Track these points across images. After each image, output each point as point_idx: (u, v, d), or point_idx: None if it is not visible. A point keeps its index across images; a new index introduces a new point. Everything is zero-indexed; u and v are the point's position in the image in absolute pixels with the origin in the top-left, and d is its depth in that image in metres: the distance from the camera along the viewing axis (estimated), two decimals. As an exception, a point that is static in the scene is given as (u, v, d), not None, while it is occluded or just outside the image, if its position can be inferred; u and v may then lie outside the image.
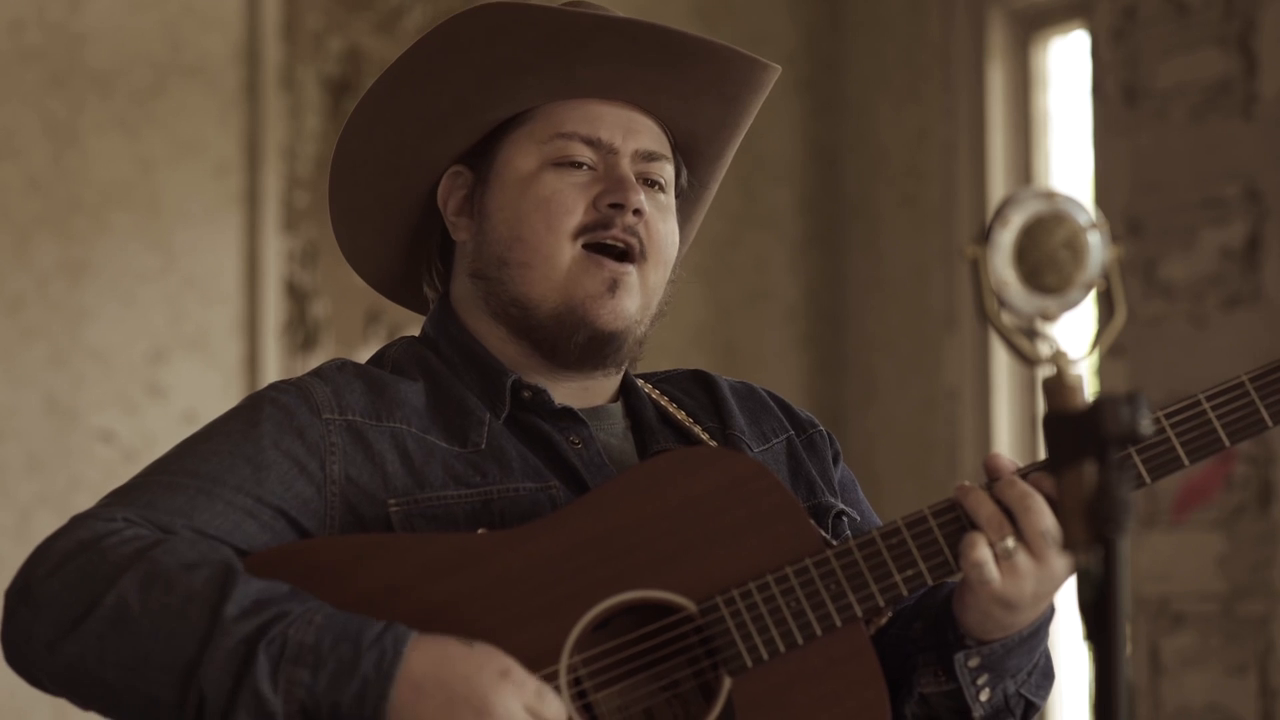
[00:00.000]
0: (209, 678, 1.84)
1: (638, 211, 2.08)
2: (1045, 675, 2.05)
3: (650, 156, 2.12)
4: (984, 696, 1.99)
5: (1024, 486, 1.91)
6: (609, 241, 2.08)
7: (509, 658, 1.86)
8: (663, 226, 2.11)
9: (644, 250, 2.09)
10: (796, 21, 5.48)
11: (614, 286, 2.08)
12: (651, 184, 2.12)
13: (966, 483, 1.94)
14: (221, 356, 4.84)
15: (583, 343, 2.08)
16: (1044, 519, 1.90)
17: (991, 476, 1.94)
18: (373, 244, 2.21)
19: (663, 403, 2.17)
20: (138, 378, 4.76)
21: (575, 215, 2.08)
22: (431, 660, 1.84)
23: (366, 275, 2.24)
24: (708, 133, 2.18)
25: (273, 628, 1.84)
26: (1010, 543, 1.90)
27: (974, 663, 1.97)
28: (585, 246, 2.08)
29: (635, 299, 2.09)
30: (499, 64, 2.09)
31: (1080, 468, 1.49)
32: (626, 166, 2.10)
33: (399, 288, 2.25)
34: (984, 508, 1.91)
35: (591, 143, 2.09)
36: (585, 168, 2.09)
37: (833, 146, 5.49)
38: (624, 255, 2.09)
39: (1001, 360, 5.00)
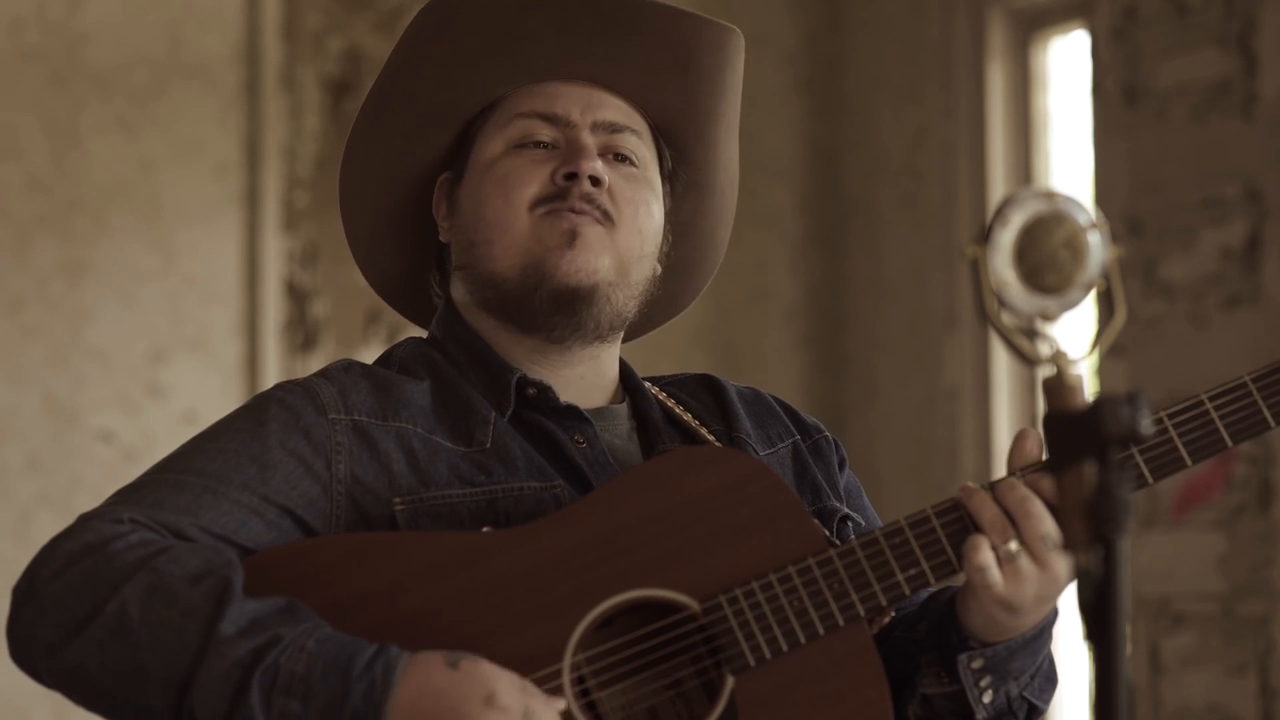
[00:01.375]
0: (201, 698, 1.84)
1: (596, 181, 2.06)
2: (1048, 679, 2.05)
3: (613, 128, 2.10)
4: (987, 699, 1.98)
5: (1024, 490, 1.91)
6: (565, 209, 2.06)
7: (494, 677, 1.85)
8: (632, 194, 2.09)
9: (609, 216, 2.07)
10: (796, 21, 5.48)
11: (573, 238, 2.05)
12: (620, 158, 2.10)
13: (969, 484, 1.94)
14: (221, 356, 4.84)
15: (546, 299, 2.06)
16: (1044, 524, 1.89)
17: (1014, 465, 1.94)
18: (381, 256, 2.22)
19: (669, 404, 2.17)
20: (138, 378, 4.76)
21: (531, 187, 2.07)
22: (417, 692, 1.83)
23: (380, 288, 2.26)
24: (680, 106, 2.15)
25: (268, 653, 1.83)
26: (1013, 546, 1.90)
27: (977, 664, 1.97)
28: (544, 213, 2.07)
29: (603, 256, 2.07)
30: (451, 56, 2.10)
31: (1080, 468, 1.49)
32: (586, 138, 2.09)
33: (410, 301, 2.26)
34: (986, 510, 1.91)
35: (549, 119, 2.09)
36: (547, 147, 2.09)
37: (833, 146, 5.49)
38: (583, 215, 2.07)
39: (1001, 360, 5.00)
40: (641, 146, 2.13)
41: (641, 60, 2.11)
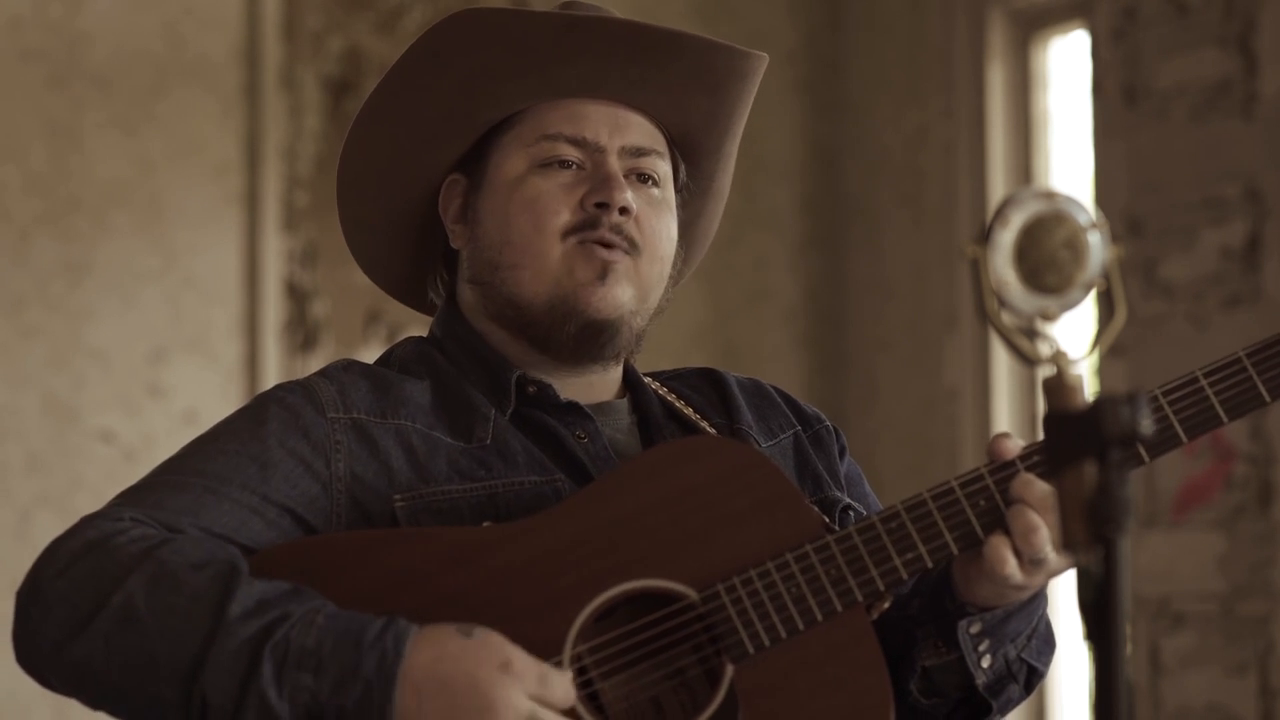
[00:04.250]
0: (212, 679, 1.84)
1: (625, 210, 2.07)
2: (1046, 641, 2.06)
3: (639, 152, 2.11)
4: (985, 663, 1.99)
5: (1043, 486, 1.91)
6: (595, 239, 2.08)
7: (508, 645, 1.85)
8: (655, 222, 2.11)
9: (635, 245, 2.09)
10: (796, 21, 5.48)
11: (604, 273, 2.07)
12: (644, 179, 2.11)
13: (1024, 475, 1.93)
14: (221, 356, 4.84)
15: (575, 333, 2.08)
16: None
17: (995, 458, 1.94)
18: (383, 252, 2.22)
19: (669, 399, 2.18)
20: (138, 378, 4.76)
21: (562, 216, 2.08)
22: (431, 659, 1.83)
23: (380, 281, 2.26)
24: (702, 124, 2.17)
25: (277, 630, 1.84)
26: (1043, 554, 1.91)
27: (975, 629, 1.98)
28: (577, 243, 2.08)
29: (628, 288, 2.09)
30: (479, 70, 2.09)
31: (1080, 467, 1.49)
32: (614, 164, 2.09)
33: (412, 293, 2.26)
34: (1021, 520, 1.91)
35: (577, 142, 2.09)
36: (573, 167, 2.09)
37: (833, 146, 5.49)
38: (611, 247, 2.09)
39: (1001, 360, 5.00)
40: (662, 165, 2.14)
41: (672, 85, 2.12)
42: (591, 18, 2.08)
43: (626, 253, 2.08)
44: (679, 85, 2.12)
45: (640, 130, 2.12)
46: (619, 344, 2.11)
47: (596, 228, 2.07)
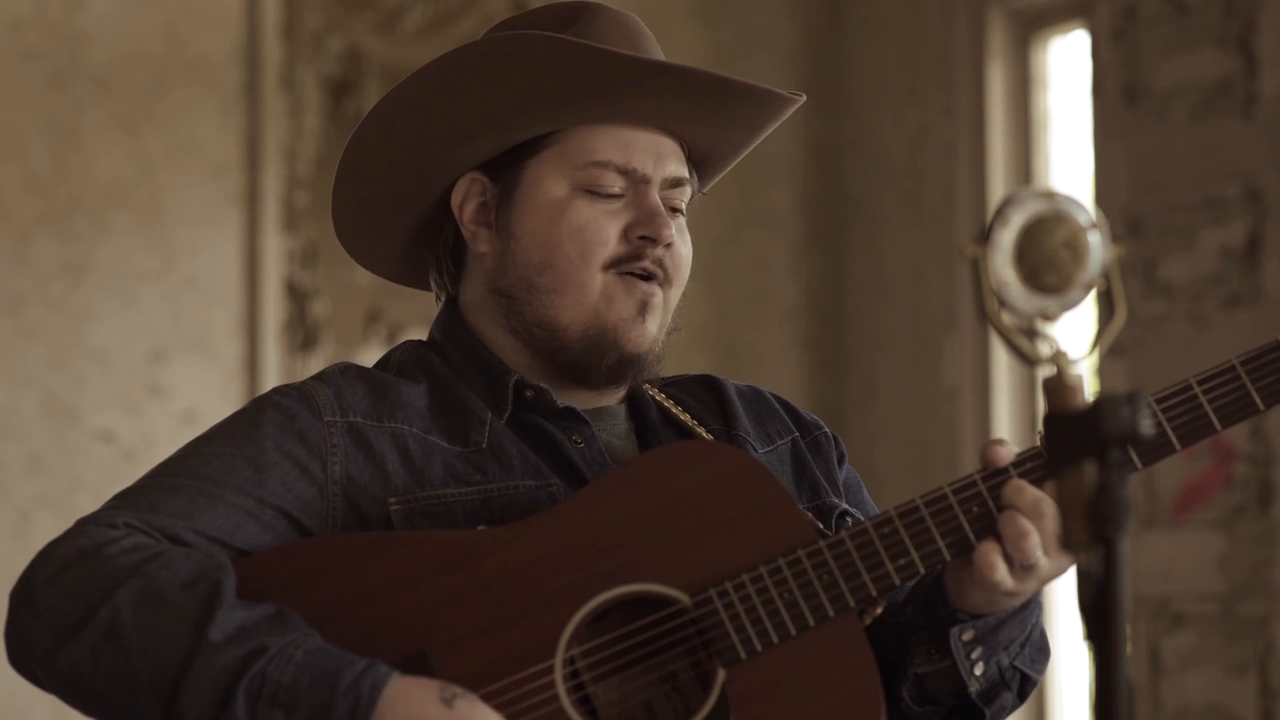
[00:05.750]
0: (189, 703, 1.86)
1: (669, 245, 2.09)
2: (1040, 649, 2.06)
3: (677, 183, 2.13)
4: (978, 670, 1.99)
5: (1035, 492, 1.91)
6: (637, 271, 2.09)
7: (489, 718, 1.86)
8: (684, 250, 2.13)
9: (668, 276, 2.11)
10: (796, 21, 5.48)
11: (644, 309, 2.09)
12: (674, 210, 2.13)
13: (974, 475, 1.94)
14: (221, 356, 4.84)
15: (612, 365, 2.09)
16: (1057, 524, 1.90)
17: (988, 465, 1.95)
18: (374, 234, 2.20)
19: (666, 405, 2.18)
20: (138, 378, 4.76)
21: (608, 246, 2.08)
22: (407, 717, 1.84)
23: (362, 260, 2.23)
24: (726, 154, 2.20)
25: (254, 662, 1.85)
26: (1034, 559, 1.91)
27: (968, 636, 1.98)
28: (617, 274, 2.09)
29: (657, 320, 2.11)
30: (540, 92, 2.07)
31: (1080, 468, 1.49)
32: (656, 196, 2.10)
33: (398, 271, 2.25)
34: (1012, 525, 1.91)
35: (625, 172, 2.09)
36: (617, 195, 2.10)
37: (833, 146, 5.49)
38: (650, 278, 2.10)
39: (1001, 360, 5.00)
40: (689, 193, 2.16)
41: (720, 121, 2.14)
42: (677, 67, 2.08)
43: (661, 285, 2.11)
44: (727, 122, 2.14)
45: (676, 160, 2.13)
46: (647, 373, 2.13)
47: (640, 260, 2.09)
